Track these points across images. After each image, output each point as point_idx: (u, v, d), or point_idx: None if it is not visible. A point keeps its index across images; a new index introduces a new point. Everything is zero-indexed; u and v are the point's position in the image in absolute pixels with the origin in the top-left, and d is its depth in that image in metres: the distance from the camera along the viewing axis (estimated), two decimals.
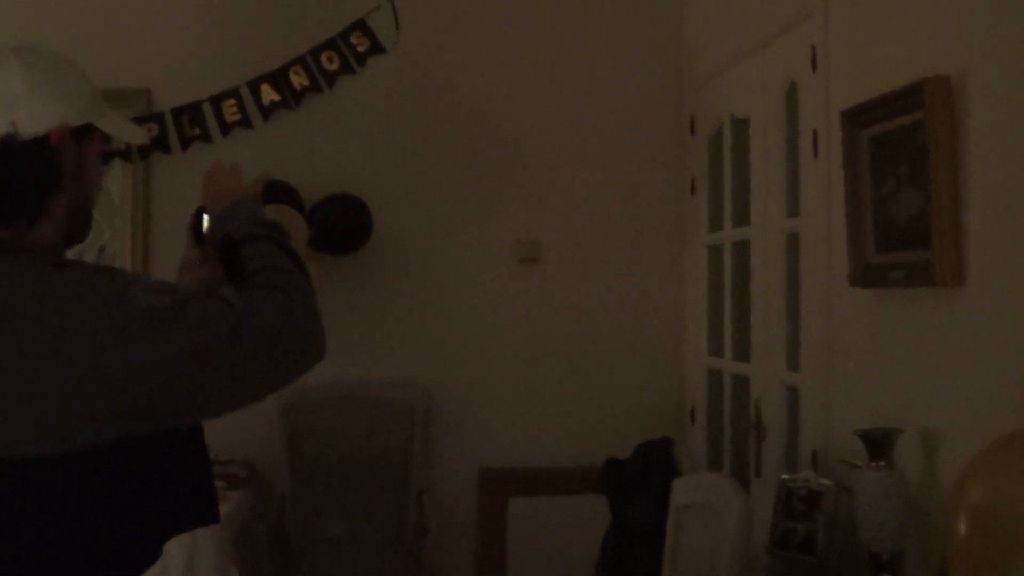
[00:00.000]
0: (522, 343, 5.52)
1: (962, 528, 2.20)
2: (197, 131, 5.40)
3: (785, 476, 3.72)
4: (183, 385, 1.88)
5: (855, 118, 3.50)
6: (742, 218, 4.77)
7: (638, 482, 4.26)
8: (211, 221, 2.33)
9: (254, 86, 5.41)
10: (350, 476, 5.34)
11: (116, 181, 5.40)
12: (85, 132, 2.04)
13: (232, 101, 5.41)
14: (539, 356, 5.52)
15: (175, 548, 1.95)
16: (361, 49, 5.43)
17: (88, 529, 1.88)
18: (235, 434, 4.50)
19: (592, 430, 5.38)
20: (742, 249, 4.77)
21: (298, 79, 5.41)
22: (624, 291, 5.53)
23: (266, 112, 5.42)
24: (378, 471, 5.38)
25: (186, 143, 5.40)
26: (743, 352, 4.76)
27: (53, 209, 2.00)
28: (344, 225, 5.19)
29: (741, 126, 4.79)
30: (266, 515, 5.10)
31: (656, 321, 5.54)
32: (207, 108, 5.41)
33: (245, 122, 5.41)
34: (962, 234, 3.02)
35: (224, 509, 2.23)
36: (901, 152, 3.27)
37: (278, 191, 5.09)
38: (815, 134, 3.91)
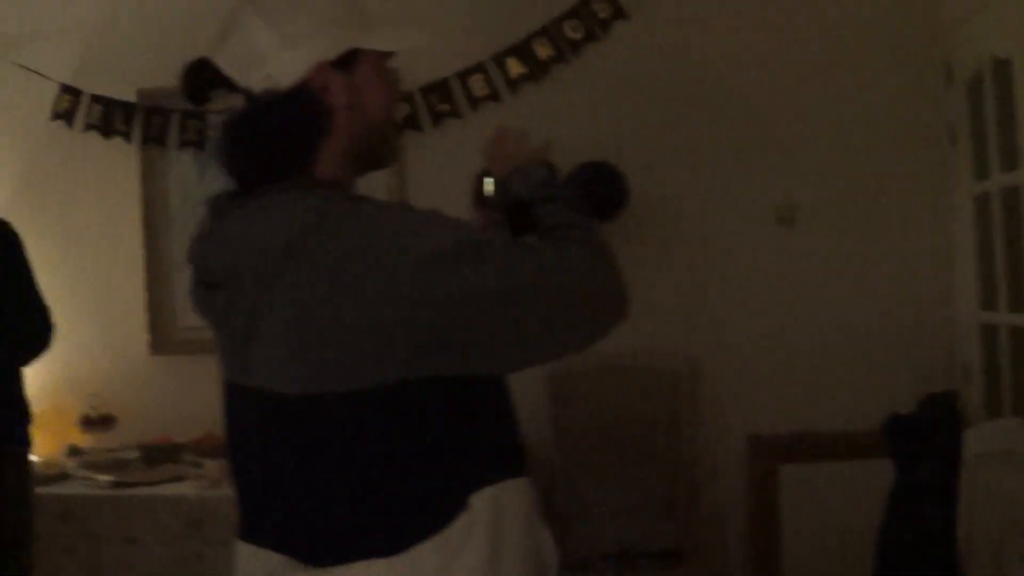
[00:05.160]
0: (784, 306, 5.40)
1: None
2: (447, 107, 5.45)
3: None
4: (482, 324, 1.86)
5: None
6: (1010, 163, 4.56)
7: (924, 436, 4.12)
8: (497, 184, 2.35)
9: (500, 60, 5.43)
10: (616, 446, 5.33)
11: None
12: (351, 58, 2.03)
13: (479, 76, 5.44)
14: (802, 318, 5.39)
15: (482, 501, 1.95)
16: (603, 16, 5.37)
17: (389, 471, 1.90)
18: None
19: (860, 393, 5.21)
20: (1011, 195, 4.57)
21: (543, 50, 5.41)
22: (886, 247, 5.34)
23: (513, 85, 5.43)
24: (645, 440, 5.35)
25: (436, 120, 5.46)
26: (1021, 303, 4.56)
27: (328, 149, 2.02)
28: (600, 193, 5.16)
29: (1002, 67, 4.57)
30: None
31: (922, 277, 5.32)
32: (455, 84, 5.45)
33: (493, 96, 5.44)
34: None
35: None
36: None
37: None
38: None
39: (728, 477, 5.38)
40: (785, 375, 5.39)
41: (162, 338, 5.84)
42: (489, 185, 2.39)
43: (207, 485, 5.03)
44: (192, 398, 5.59)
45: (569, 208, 2.17)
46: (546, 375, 5.26)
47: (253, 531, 2.08)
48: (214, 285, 2.02)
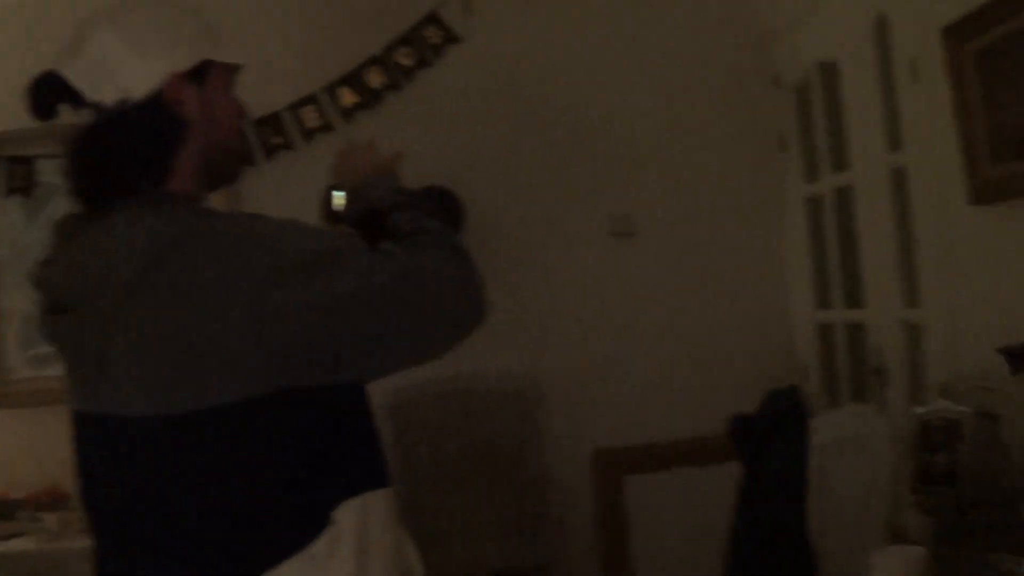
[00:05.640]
0: (624, 318, 5.46)
1: None
2: (280, 140, 5.39)
3: (920, 409, 3.63)
4: (343, 331, 1.83)
5: (958, 32, 3.42)
6: (840, 163, 4.70)
7: (770, 431, 4.18)
8: (350, 195, 2.31)
9: (331, 90, 5.40)
10: (462, 469, 5.30)
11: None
12: (203, 70, 2.01)
13: (311, 107, 5.40)
14: (643, 329, 5.45)
15: (346, 515, 1.90)
16: (435, 41, 5.40)
17: (252, 488, 1.84)
18: None
19: (703, 400, 5.26)
20: (843, 195, 4.70)
21: (376, 78, 5.40)
22: (722, 254, 5.46)
23: (346, 114, 5.40)
24: (490, 462, 5.33)
25: (270, 152, 5.40)
26: (855, 299, 4.68)
27: (182, 161, 1.97)
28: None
29: (829, 70, 4.72)
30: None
31: (758, 282, 5.46)
32: (287, 116, 5.40)
33: (326, 127, 5.40)
34: None
35: None
36: (1012, 58, 3.19)
37: None
38: (913, 61, 3.84)
39: (578, 493, 5.37)
40: (630, 387, 5.44)
41: None
42: (339, 198, 2.36)
43: (47, 539, 4.86)
44: (29, 453, 5.41)
45: (424, 214, 2.16)
46: (388, 404, 5.19)
47: (111, 566, 1.99)
48: (63, 309, 1.95)
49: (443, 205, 5.19)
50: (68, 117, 1.99)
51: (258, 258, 1.81)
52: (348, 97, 5.41)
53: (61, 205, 4.92)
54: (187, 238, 1.83)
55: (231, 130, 2.08)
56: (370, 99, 5.41)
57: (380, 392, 5.13)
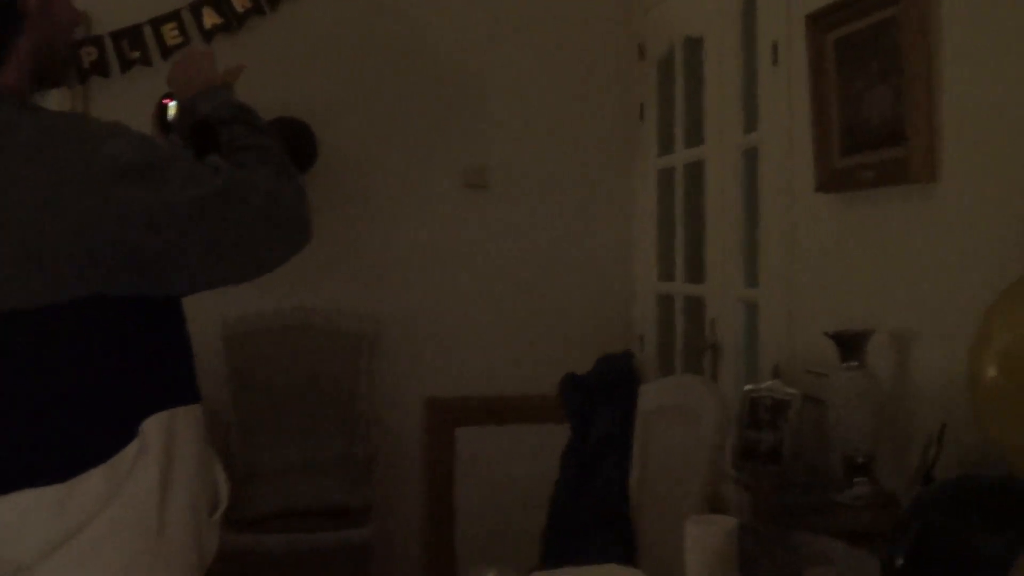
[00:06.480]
0: (469, 270, 5.47)
1: (990, 371, 2.19)
2: (137, 54, 5.25)
3: (749, 386, 3.70)
4: (161, 241, 1.80)
5: (821, 21, 3.48)
6: (695, 139, 4.74)
7: (601, 392, 4.23)
8: (182, 106, 2.28)
9: (195, 9, 5.27)
10: (296, 405, 5.26)
11: (53, 105, 5.25)
12: None
13: (173, 24, 5.26)
14: (486, 283, 5.47)
15: (153, 428, 1.86)
16: None
17: (59, 395, 1.80)
18: None
19: (538, 359, 5.32)
20: (695, 170, 4.75)
21: (240, 1, 5.29)
22: (571, 218, 5.50)
23: (208, 35, 5.28)
24: (324, 400, 5.30)
25: (125, 66, 5.25)
26: (696, 274, 4.74)
27: (16, 52, 1.91)
28: (288, 149, 5.07)
29: (694, 46, 4.75)
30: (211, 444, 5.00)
31: (604, 248, 5.51)
32: (147, 31, 5.26)
33: (186, 45, 5.24)
34: (936, 128, 2.99)
35: None
36: (870, 51, 3.25)
37: None
38: (775, 45, 3.89)
39: (408, 437, 5.39)
40: (468, 339, 5.46)
41: None
42: (172, 108, 2.33)
43: None
44: None
45: (255, 130, 2.13)
46: (225, 335, 5.12)
47: None
48: None
49: (296, 137, 5.13)
50: None
51: (80, 160, 1.78)
52: (211, 18, 5.28)
53: None
54: (11, 129, 1.80)
55: (65, 34, 2.03)
56: (233, 22, 5.29)
57: (217, 321, 5.08)
